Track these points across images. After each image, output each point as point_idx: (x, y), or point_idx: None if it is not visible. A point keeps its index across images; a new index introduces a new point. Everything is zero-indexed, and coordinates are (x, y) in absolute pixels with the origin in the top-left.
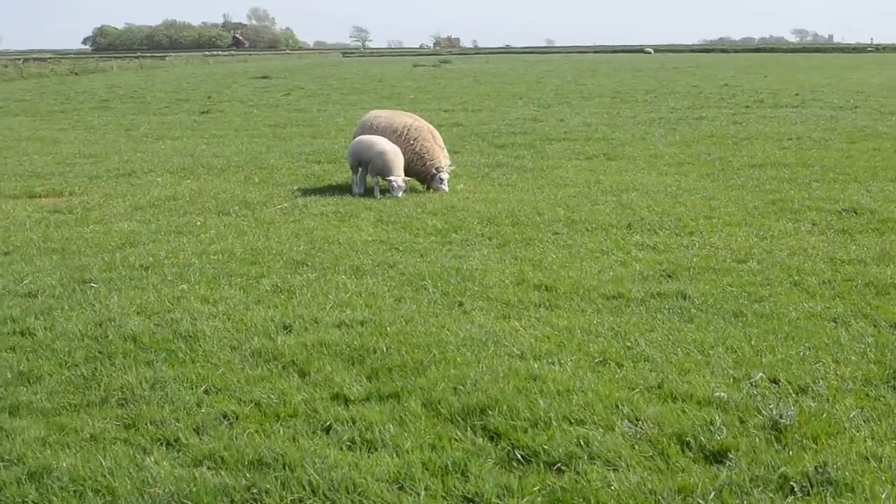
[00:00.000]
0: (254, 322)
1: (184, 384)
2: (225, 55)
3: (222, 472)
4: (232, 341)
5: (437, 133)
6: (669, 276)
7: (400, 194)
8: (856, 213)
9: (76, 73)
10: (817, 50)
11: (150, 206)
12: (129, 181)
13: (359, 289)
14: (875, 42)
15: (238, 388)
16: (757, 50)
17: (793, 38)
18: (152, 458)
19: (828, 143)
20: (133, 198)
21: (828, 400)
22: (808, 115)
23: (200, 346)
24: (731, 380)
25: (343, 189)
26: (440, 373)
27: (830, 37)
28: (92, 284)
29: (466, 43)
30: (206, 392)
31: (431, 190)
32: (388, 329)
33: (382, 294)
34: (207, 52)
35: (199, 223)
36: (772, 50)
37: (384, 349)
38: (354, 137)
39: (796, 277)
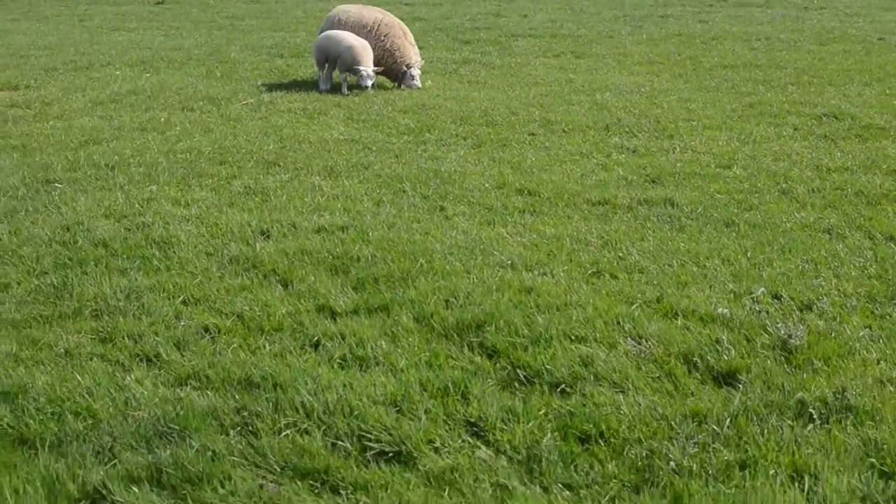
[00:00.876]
0: (229, 226)
1: (160, 294)
2: None
3: (209, 393)
4: (208, 247)
5: (407, 29)
6: (654, 182)
7: (369, 83)
8: (836, 118)
9: None
10: None
11: (111, 100)
12: (87, 74)
13: (335, 191)
14: None
15: (218, 298)
16: None
17: None
18: (133, 377)
19: (798, 44)
20: (92, 92)
21: (834, 318)
22: (774, 14)
23: (175, 252)
24: (732, 295)
25: (309, 85)
26: (429, 284)
27: None
28: (56, 185)
29: None
30: (184, 303)
31: (402, 87)
32: (371, 235)
33: (360, 197)
34: None
35: (163, 120)
36: None
37: (368, 257)
38: (321, 33)
39: (784, 185)
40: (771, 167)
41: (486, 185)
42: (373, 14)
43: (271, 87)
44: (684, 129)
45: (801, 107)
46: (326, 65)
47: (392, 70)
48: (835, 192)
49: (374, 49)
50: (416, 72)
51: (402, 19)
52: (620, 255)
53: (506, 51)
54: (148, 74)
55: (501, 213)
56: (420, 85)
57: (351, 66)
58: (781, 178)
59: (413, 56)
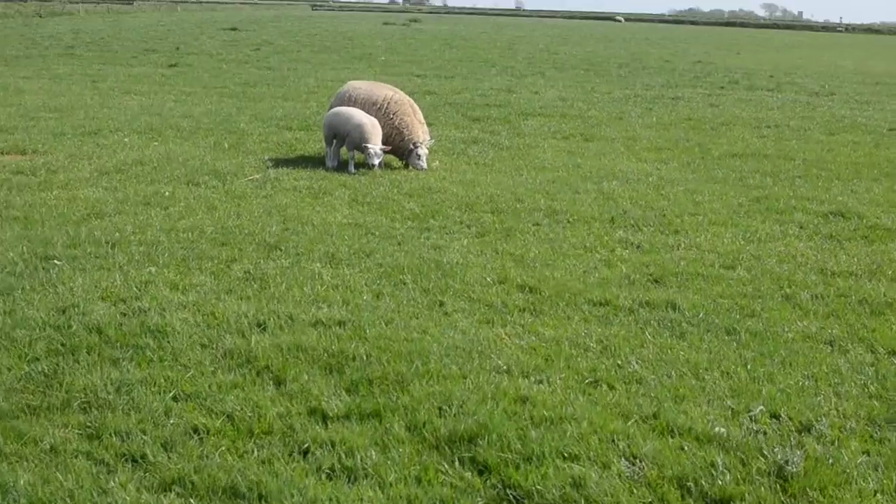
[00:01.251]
0: (226, 316)
1: (151, 388)
2: (194, 2)
3: (192, 502)
4: (203, 338)
5: (417, 107)
6: (657, 282)
7: (376, 161)
8: (843, 216)
9: (41, 16)
10: (787, 27)
11: (117, 170)
12: (96, 140)
13: (335, 281)
14: (844, 21)
15: (209, 395)
16: (727, 24)
17: (762, 13)
18: (117, 480)
19: (807, 133)
20: (99, 160)
21: (832, 442)
22: (784, 99)
23: (169, 342)
24: (730, 412)
25: (316, 161)
26: (424, 389)
27: (800, 13)
28: (55, 262)
29: (435, 1)
30: (174, 399)
31: (408, 167)
32: (368, 332)
33: (360, 288)
34: None
35: (167, 194)
36: (742, 24)
37: (364, 356)
38: (331, 108)
39: (787, 290)
40: (775, 269)
41: (488, 278)
42: (383, 91)
43: (278, 162)
44: (690, 224)
45: (808, 203)
46: (334, 141)
47: (399, 149)
48: (838, 299)
49: (383, 126)
50: (422, 151)
51: (412, 93)
52: (619, 362)
53: (515, 130)
54: (156, 143)
55: (501, 311)
56: (426, 166)
57: (359, 143)
58: (785, 281)
59: (421, 135)
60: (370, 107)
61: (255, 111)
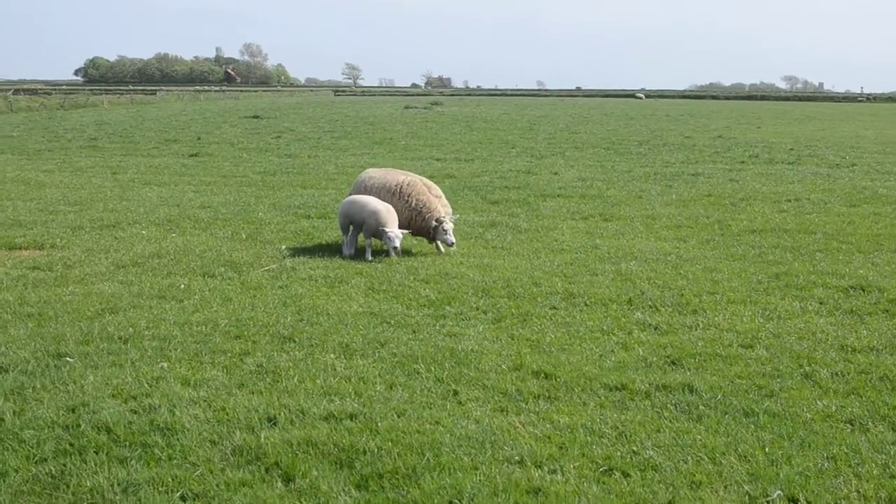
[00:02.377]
0: (236, 412)
1: (159, 488)
2: (216, 90)
3: None
4: (212, 435)
5: (432, 184)
6: (674, 364)
7: (396, 243)
8: (863, 290)
9: (65, 108)
10: (808, 98)
11: (133, 264)
12: (113, 234)
13: (348, 372)
14: (865, 91)
15: (217, 495)
16: (748, 97)
17: (783, 85)
18: None
19: (827, 206)
20: (116, 254)
21: None
22: (804, 172)
23: (178, 440)
24: (747, 497)
25: (333, 249)
26: (435, 482)
27: (821, 84)
28: (67, 359)
29: (457, 83)
30: (182, 498)
31: (439, 244)
32: (380, 425)
33: (373, 379)
34: (199, 87)
35: (182, 287)
36: (763, 97)
37: (375, 450)
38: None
39: (807, 368)
40: (794, 347)
41: (503, 366)
42: (396, 177)
43: (295, 252)
44: (708, 304)
45: (828, 278)
46: (351, 229)
47: (423, 228)
48: (859, 376)
49: (401, 211)
50: (448, 226)
51: (432, 176)
52: (634, 448)
53: (534, 212)
54: (174, 235)
55: (516, 398)
56: (454, 240)
57: (376, 229)
58: (805, 359)
59: (441, 209)
60: (385, 193)
61: (274, 200)
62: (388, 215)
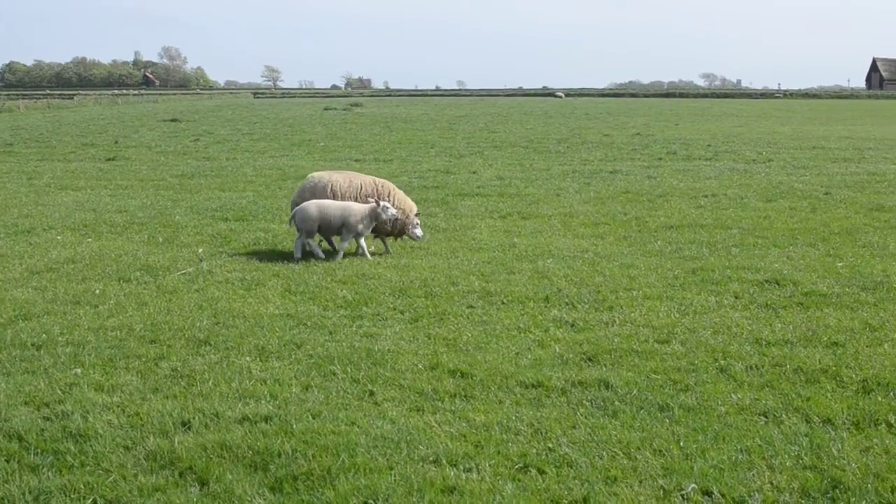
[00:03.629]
0: (150, 416)
1: (71, 495)
2: (135, 94)
3: None
4: (126, 440)
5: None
6: (590, 360)
7: (391, 212)
8: (778, 284)
9: None
10: (726, 95)
11: (48, 269)
12: (28, 239)
13: (264, 375)
14: (782, 88)
15: (130, 500)
16: (667, 95)
17: (701, 83)
18: None
19: (744, 201)
20: (30, 259)
21: None
22: (721, 168)
23: (91, 446)
24: (662, 491)
25: (250, 251)
26: (350, 483)
27: (738, 81)
28: None
29: (378, 84)
30: None
31: (405, 238)
32: (295, 427)
33: (289, 381)
34: (117, 91)
35: (97, 292)
36: (681, 95)
37: (290, 452)
38: (300, 201)
39: (722, 362)
40: (710, 341)
41: (419, 365)
42: (362, 178)
43: (211, 255)
44: (624, 300)
45: (743, 272)
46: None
47: (398, 226)
48: (773, 369)
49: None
50: (417, 220)
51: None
52: (550, 445)
53: (452, 212)
54: (89, 240)
55: (432, 398)
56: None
57: (362, 230)
58: (720, 353)
59: (413, 205)
60: (358, 195)
61: (192, 203)
62: (373, 214)
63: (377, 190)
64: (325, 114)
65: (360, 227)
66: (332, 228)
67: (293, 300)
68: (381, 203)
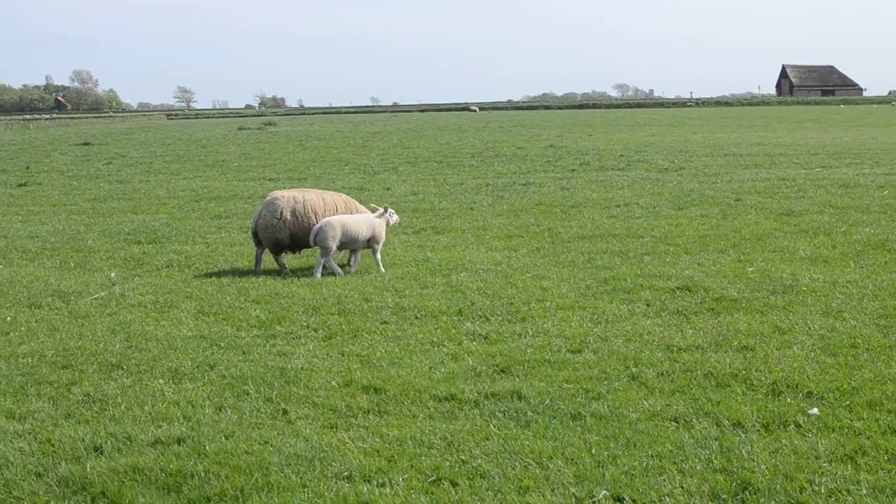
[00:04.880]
0: (62, 442)
1: None
2: (47, 118)
3: None
4: (38, 467)
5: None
6: (503, 372)
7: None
8: (689, 290)
9: None
10: (639, 105)
11: None
12: None
13: (177, 397)
14: (695, 97)
15: None
16: (580, 106)
17: (614, 93)
18: None
19: (656, 210)
20: None
21: None
22: (634, 178)
23: (2, 474)
24: (574, 499)
25: (162, 274)
26: (262, 502)
27: (651, 91)
28: None
29: (292, 102)
30: None
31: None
32: (208, 448)
33: (202, 403)
34: (28, 116)
35: (8, 319)
36: (595, 106)
37: (202, 473)
38: (275, 221)
39: (634, 370)
40: (622, 349)
41: (333, 382)
42: (334, 196)
43: (124, 278)
44: (537, 311)
45: (655, 280)
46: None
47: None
48: (684, 374)
49: (299, 227)
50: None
51: (264, 196)
52: (463, 457)
53: None
54: (0, 266)
55: (345, 414)
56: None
57: (379, 241)
58: (631, 361)
59: None
60: (335, 211)
61: (104, 227)
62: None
63: (347, 204)
64: (238, 133)
65: (384, 235)
66: (358, 242)
67: (206, 321)
68: (389, 210)
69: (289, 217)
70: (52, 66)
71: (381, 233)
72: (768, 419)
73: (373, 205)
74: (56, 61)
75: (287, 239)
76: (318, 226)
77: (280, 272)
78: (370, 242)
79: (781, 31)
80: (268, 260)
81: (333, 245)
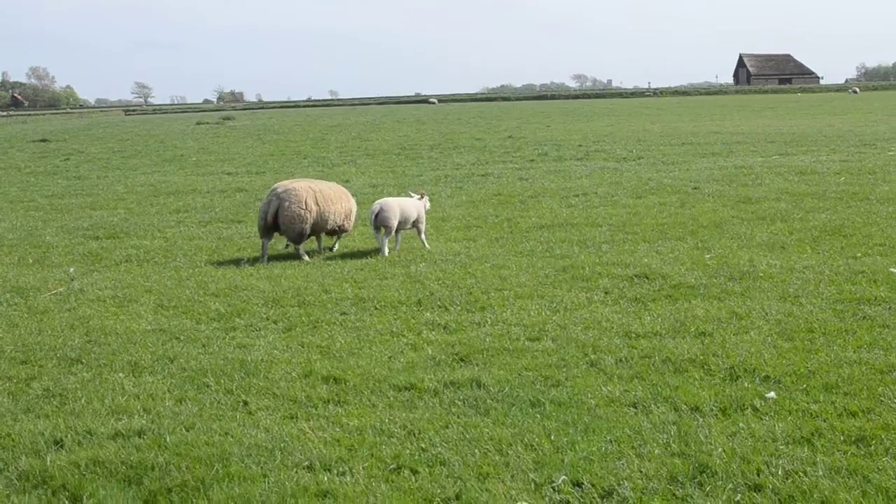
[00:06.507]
0: (22, 437)
1: None
2: (3, 115)
3: None
4: None
5: None
6: (463, 361)
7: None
8: (647, 278)
9: None
10: (597, 95)
11: None
12: None
13: (137, 390)
14: (653, 86)
15: None
16: (539, 97)
17: (573, 84)
18: None
19: (614, 199)
20: None
21: None
22: (592, 167)
23: None
24: (533, 485)
25: (121, 269)
26: (224, 492)
27: (609, 81)
28: None
29: (250, 97)
30: None
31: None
32: (168, 440)
33: (162, 395)
34: None
35: None
36: (553, 97)
37: (163, 465)
38: (296, 211)
39: (592, 356)
40: (580, 337)
41: (293, 373)
42: (333, 185)
43: (83, 273)
44: (496, 300)
45: (613, 268)
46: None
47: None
48: (642, 360)
49: (321, 215)
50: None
51: (223, 191)
52: (423, 446)
53: None
54: None
55: (306, 405)
56: None
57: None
58: (590, 348)
59: None
60: (342, 197)
61: (62, 223)
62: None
63: (345, 192)
64: (197, 128)
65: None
66: (408, 223)
67: (166, 315)
68: (425, 195)
69: (313, 206)
70: (8, 63)
71: (423, 215)
72: (726, 403)
73: (409, 191)
74: (12, 58)
75: (309, 228)
76: (377, 208)
77: (299, 258)
78: (415, 223)
79: (739, 20)
80: (218, 256)
81: (395, 224)
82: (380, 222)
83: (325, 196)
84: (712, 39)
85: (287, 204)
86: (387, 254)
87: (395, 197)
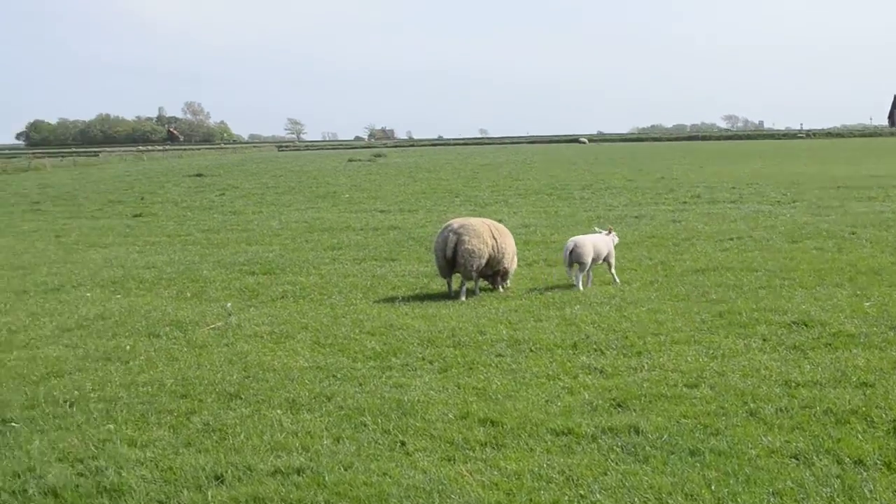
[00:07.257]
0: (183, 471)
1: None
2: (159, 150)
3: None
4: (160, 495)
5: None
6: (620, 406)
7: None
8: (806, 325)
9: (7, 172)
10: (749, 136)
11: (78, 326)
12: (58, 297)
13: (295, 427)
14: (805, 128)
15: None
16: (689, 138)
17: (724, 125)
18: None
19: (770, 243)
20: (60, 317)
21: None
22: (747, 211)
23: (125, 501)
24: None
25: (277, 305)
26: None
27: (761, 122)
28: (13, 424)
29: (400, 134)
30: None
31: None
32: (327, 478)
33: (320, 433)
34: (142, 147)
35: (128, 348)
36: (704, 137)
37: None
38: (481, 246)
39: (752, 405)
40: (739, 385)
41: (450, 415)
42: (494, 222)
43: (240, 309)
44: (652, 345)
45: (770, 314)
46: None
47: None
48: (803, 410)
49: (501, 249)
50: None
51: (376, 229)
52: (581, 492)
53: None
54: (118, 296)
55: (463, 447)
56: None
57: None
58: (749, 396)
59: None
60: (504, 233)
61: (219, 257)
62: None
63: (504, 229)
64: (348, 165)
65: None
66: (600, 259)
67: (322, 352)
68: (612, 231)
69: (489, 240)
70: (165, 98)
71: (613, 250)
72: (890, 457)
73: (596, 227)
74: (168, 93)
75: (485, 262)
76: (572, 245)
77: (472, 294)
78: (606, 258)
79: (894, 62)
80: (364, 296)
81: (589, 261)
82: (574, 258)
83: (499, 231)
84: (866, 80)
85: (467, 238)
86: (581, 289)
87: (584, 235)
